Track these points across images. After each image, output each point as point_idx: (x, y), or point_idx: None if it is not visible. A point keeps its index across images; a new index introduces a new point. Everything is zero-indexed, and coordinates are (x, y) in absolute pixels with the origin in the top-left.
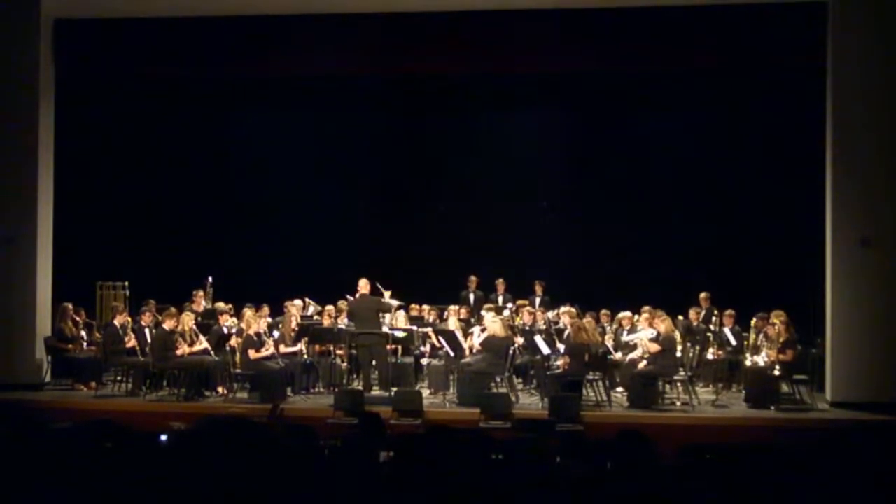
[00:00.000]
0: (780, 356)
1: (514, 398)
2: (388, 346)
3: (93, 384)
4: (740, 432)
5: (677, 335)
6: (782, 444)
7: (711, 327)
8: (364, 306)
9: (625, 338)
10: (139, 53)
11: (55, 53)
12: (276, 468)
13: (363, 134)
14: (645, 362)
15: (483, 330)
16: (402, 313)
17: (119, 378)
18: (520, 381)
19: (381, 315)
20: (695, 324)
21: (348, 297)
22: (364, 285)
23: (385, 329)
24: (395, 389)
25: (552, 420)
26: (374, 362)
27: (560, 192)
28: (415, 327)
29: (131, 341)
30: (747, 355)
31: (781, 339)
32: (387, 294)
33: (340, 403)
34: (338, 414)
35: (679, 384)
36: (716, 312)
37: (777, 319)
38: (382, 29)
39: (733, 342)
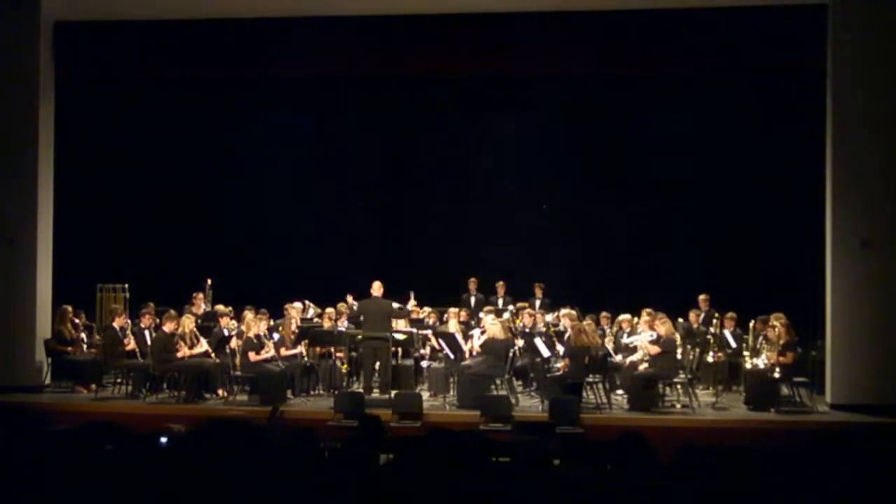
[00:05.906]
0: (780, 358)
1: (514, 400)
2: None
3: (93, 386)
4: (740, 434)
5: (677, 337)
6: (782, 446)
7: (711, 329)
8: (375, 308)
9: (625, 340)
10: (139, 55)
11: (55, 55)
12: (277, 470)
13: (363, 135)
14: (645, 365)
15: (483, 332)
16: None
17: (119, 380)
18: (520, 383)
19: (391, 320)
20: (695, 326)
21: (349, 298)
22: (377, 287)
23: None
24: (395, 392)
25: (552, 422)
26: (377, 365)
27: (560, 195)
28: (415, 329)
29: (131, 343)
30: (747, 357)
31: (781, 342)
32: (411, 303)
33: (340, 406)
34: (338, 416)
35: (679, 386)
36: (716, 315)
37: (777, 322)
38: (383, 31)
39: (733, 344)
